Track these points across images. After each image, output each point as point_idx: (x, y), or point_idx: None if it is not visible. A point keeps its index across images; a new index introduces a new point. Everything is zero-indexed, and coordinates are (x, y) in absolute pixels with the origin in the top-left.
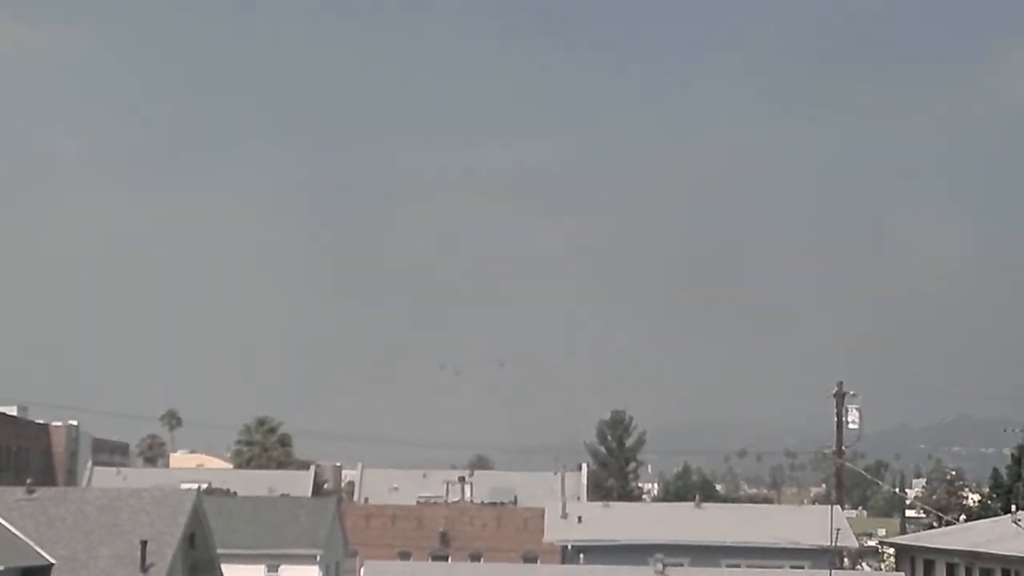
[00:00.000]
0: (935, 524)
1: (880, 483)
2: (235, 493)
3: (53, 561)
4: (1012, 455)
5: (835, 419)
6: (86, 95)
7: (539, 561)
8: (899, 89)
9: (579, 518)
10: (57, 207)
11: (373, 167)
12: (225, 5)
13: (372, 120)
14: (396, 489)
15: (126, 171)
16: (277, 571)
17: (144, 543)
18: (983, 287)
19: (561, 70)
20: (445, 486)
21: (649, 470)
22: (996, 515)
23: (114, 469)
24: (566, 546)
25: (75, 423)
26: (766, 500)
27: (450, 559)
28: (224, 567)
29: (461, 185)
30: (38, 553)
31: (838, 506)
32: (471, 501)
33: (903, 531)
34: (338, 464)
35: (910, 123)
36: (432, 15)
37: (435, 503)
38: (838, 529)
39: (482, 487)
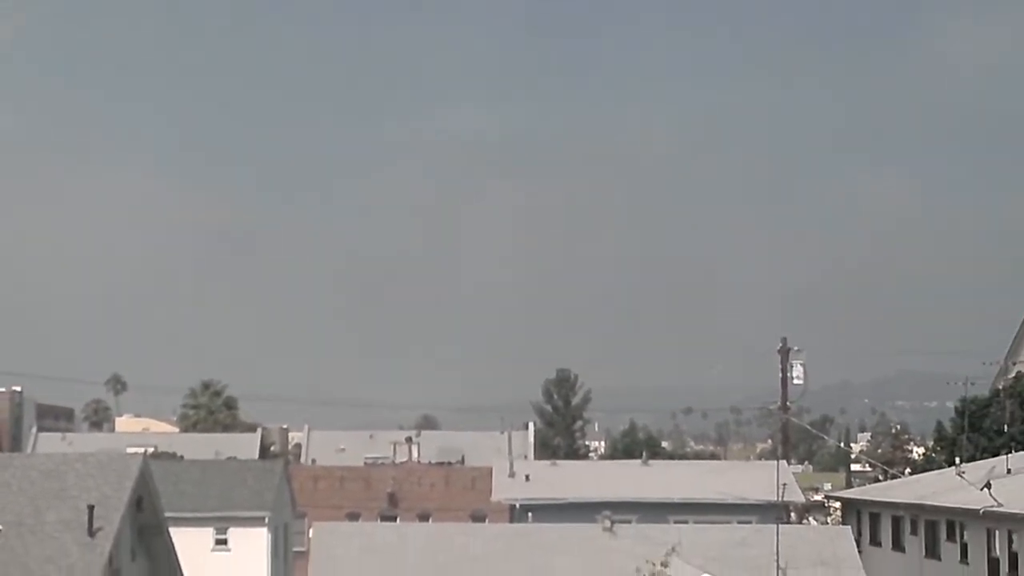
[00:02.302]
0: (880, 478)
1: (825, 438)
2: (182, 457)
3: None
4: (955, 408)
5: (780, 375)
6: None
7: (487, 520)
8: (845, 51)
9: (527, 477)
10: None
11: (317, 136)
12: None
13: (315, 89)
14: (343, 450)
15: (65, 142)
16: (225, 534)
17: (91, 508)
18: (923, 242)
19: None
20: (392, 447)
21: (596, 428)
22: (940, 468)
23: (59, 434)
24: (514, 505)
25: (19, 389)
26: (713, 456)
27: (399, 519)
28: (172, 531)
29: (410, 152)
30: None
31: (784, 461)
32: (419, 461)
33: (849, 485)
34: (284, 427)
35: (848, 83)
36: None
37: (383, 464)
38: (784, 484)
39: (429, 447)
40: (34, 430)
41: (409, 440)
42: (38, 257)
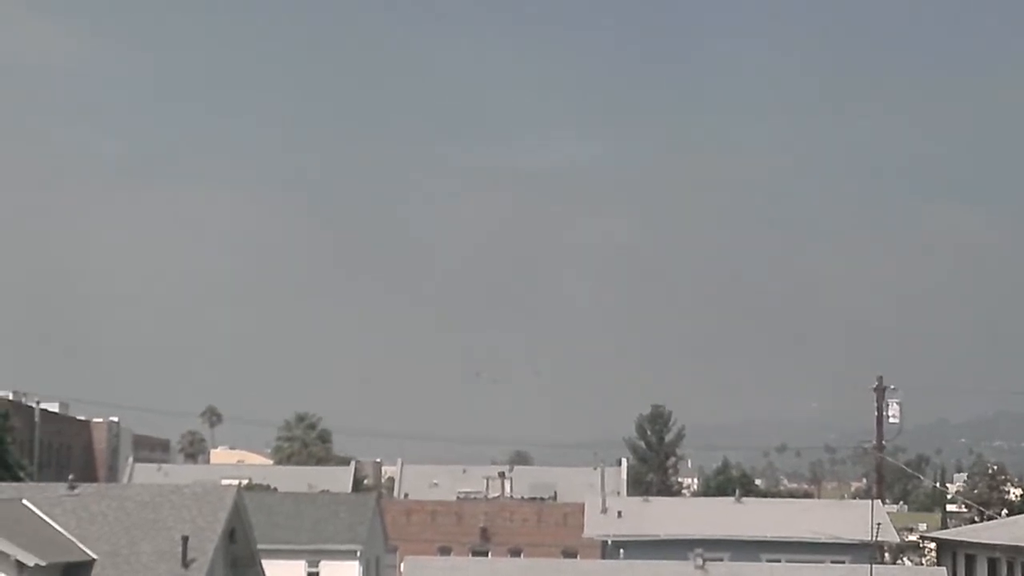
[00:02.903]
0: (977, 519)
1: (921, 477)
2: (275, 489)
3: (95, 557)
4: None
5: (875, 413)
6: (114, 96)
7: (579, 556)
8: (926, 79)
9: (619, 513)
10: (89, 207)
11: (406, 163)
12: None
13: (402, 115)
14: (436, 485)
15: (155, 171)
16: (317, 567)
17: (185, 538)
18: (1020, 281)
19: (602, 68)
20: (485, 482)
21: (689, 465)
22: None
23: (155, 465)
24: (606, 541)
25: (116, 419)
26: (806, 495)
27: (490, 554)
28: (264, 562)
29: (499, 184)
30: (80, 549)
31: (879, 501)
32: (511, 496)
33: (944, 526)
34: (378, 460)
35: (937, 114)
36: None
37: (475, 498)
38: (879, 524)
39: (522, 482)
40: (131, 461)
41: (502, 475)
42: (134, 289)
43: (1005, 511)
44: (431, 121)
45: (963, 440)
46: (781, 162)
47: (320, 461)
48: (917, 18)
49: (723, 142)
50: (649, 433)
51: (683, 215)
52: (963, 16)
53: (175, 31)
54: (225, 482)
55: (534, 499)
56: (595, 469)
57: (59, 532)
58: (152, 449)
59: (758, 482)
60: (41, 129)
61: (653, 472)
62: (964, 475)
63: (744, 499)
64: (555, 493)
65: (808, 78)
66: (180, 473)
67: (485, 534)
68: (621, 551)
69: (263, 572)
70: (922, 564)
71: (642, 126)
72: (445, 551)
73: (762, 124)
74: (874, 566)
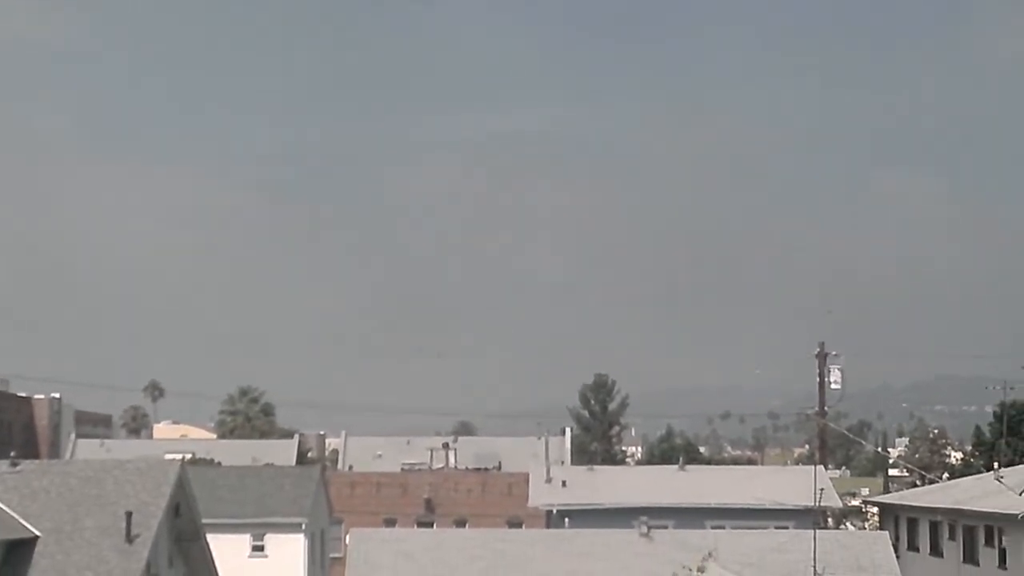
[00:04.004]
0: (918, 483)
1: (863, 442)
2: (219, 463)
3: (38, 534)
4: (994, 412)
5: (817, 380)
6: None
7: (524, 526)
8: (878, 53)
9: (563, 482)
10: (33, 182)
11: (360, 134)
12: None
13: (364, 88)
14: (380, 456)
15: (103, 144)
16: (262, 540)
17: (129, 514)
18: (961, 245)
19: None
20: (429, 453)
21: (633, 433)
22: (979, 472)
23: (97, 441)
24: (551, 510)
25: (57, 395)
26: (750, 462)
27: (435, 525)
28: (209, 537)
29: (450, 151)
30: (23, 526)
31: (821, 466)
32: (455, 467)
33: (886, 490)
34: (322, 433)
35: (886, 85)
36: None
37: (419, 470)
38: (822, 489)
39: (466, 453)
40: (72, 437)
41: (446, 446)
42: (75, 263)
43: (946, 475)
44: (388, 88)
45: (904, 404)
46: (738, 127)
47: (264, 434)
48: None
49: (685, 107)
50: (592, 402)
51: (634, 183)
52: None
53: (154, 12)
54: (168, 457)
55: (479, 469)
56: (539, 439)
57: (1, 510)
58: (94, 425)
59: (702, 449)
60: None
61: (597, 441)
62: (906, 439)
63: (688, 467)
64: (499, 463)
65: (780, 47)
66: (123, 448)
67: (430, 505)
68: (566, 520)
69: (208, 546)
70: (865, 528)
71: (601, 93)
72: (390, 523)
73: (723, 89)
74: (817, 531)
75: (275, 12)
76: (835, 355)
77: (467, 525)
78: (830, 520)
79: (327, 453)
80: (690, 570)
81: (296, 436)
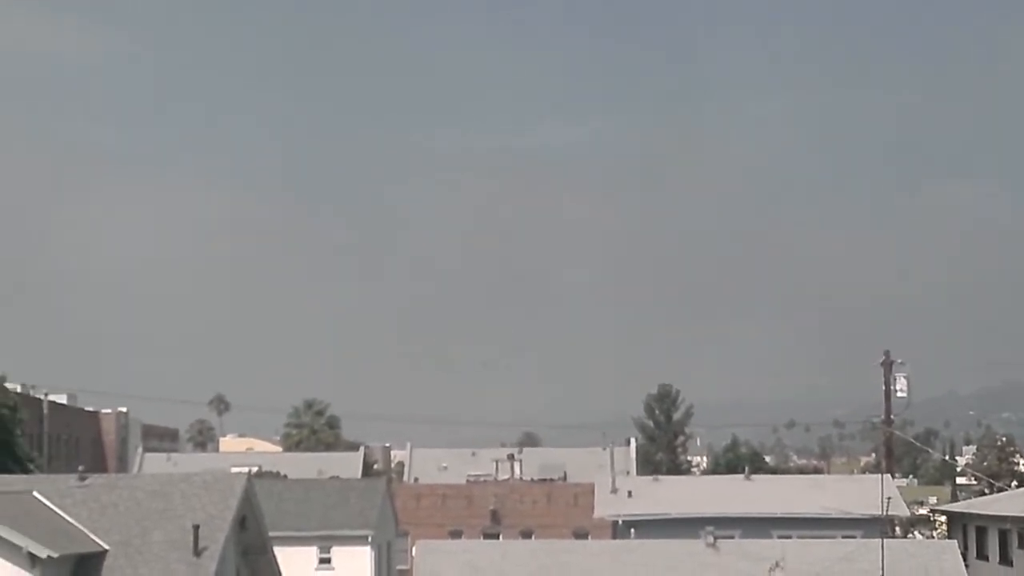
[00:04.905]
0: (986, 491)
1: (930, 451)
2: (285, 476)
3: (107, 547)
4: None
5: (883, 388)
6: (111, 90)
7: (590, 537)
8: (942, 58)
9: (629, 493)
10: (93, 200)
11: (402, 148)
12: None
13: (399, 101)
14: (445, 468)
15: (158, 164)
16: (329, 552)
17: (196, 527)
18: None
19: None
20: (494, 464)
21: (698, 443)
22: None
23: (164, 455)
24: (617, 521)
25: (124, 410)
26: (816, 471)
27: (501, 537)
28: (276, 549)
29: (498, 169)
30: (92, 540)
31: (888, 475)
32: (521, 478)
33: (954, 499)
34: (387, 445)
35: (954, 91)
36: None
37: (485, 481)
38: (889, 498)
39: (531, 464)
40: (140, 451)
41: (511, 457)
42: (143, 279)
43: (1014, 483)
44: (422, 109)
45: (971, 412)
46: (784, 138)
47: (329, 447)
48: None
49: (722, 120)
50: (657, 412)
51: (686, 195)
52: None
53: (172, 25)
54: (235, 470)
55: (544, 480)
56: (604, 449)
57: (70, 523)
58: (161, 439)
59: (767, 459)
60: (42, 123)
61: (662, 451)
62: (973, 447)
63: (754, 476)
64: (565, 474)
65: (804, 58)
66: (189, 462)
67: (496, 516)
68: (632, 531)
69: (275, 559)
70: (933, 537)
71: (633, 108)
72: (456, 535)
73: (764, 101)
74: (885, 540)
75: (292, 30)
76: (900, 363)
77: (533, 536)
78: (898, 529)
79: (392, 465)
80: None
81: (361, 448)
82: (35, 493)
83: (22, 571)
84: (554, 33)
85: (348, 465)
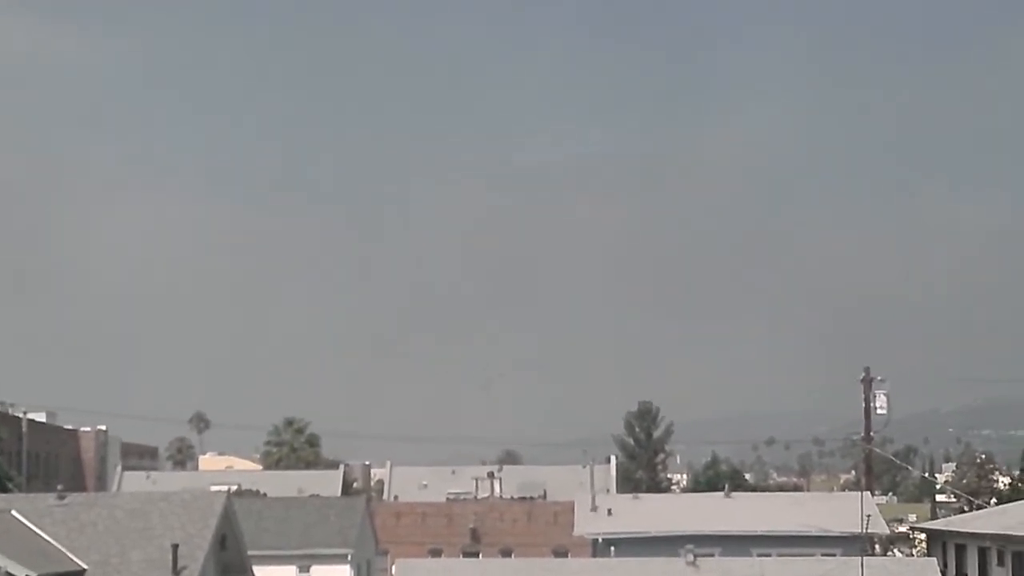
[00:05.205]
0: (966, 508)
1: (910, 468)
2: (265, 494)
3: (85, 567)
4: None
5: (863, 405)
6: (104, 99)
7: (570, 555)
8: (925, 63)
9: (609, 511)
10: (73, 212)
11: (390, 159)
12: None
13: (389, 114)
14: (425, 486)
15: (141, 173)
16: (308, 571)
17: (175, 546)
18: (1009, 269)
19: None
20: (474, 482)
21: (678, 461)
22: None
23: (143, 473)
24: (596, 539)
25: (104, 428)
26: (795, 488)
27: (481, 555)
28: (255, 568)
29: (479, 182)
30: (70, 559)
31: (868, 492)
32: (500, 496)
33: (934, 516)
34: (367, 463)
35: (933, 98)
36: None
37: (465, 499)
38: (868, 515)
39: (511, 482)
40: (119, 469)
41: (491, 475)
42: (121, 295)
43: (994, 500)
44: (426, 117)
45: (951, 429)
46: (769, 153)
47: (309, 465)
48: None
49: (713, 131)
50: (637, 430)
51: (667, 210)
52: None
53: (168, 30)
54: (214, 488)
55: (524, 498)
56: (584, 467)
57: (49, 543)
58: (140, 457)
59: (747, 476)
60: (27, 131)
61: (642, 469)
62: (953, 465)
63: (734, 494)
64: (544, 492)
65: (803, 64)
66: (169, 480)
67: (475, 535)
68: (612, 549)
69: None
70: (912, 555)
71: (631, 110)
72: (436, 553)
73: (764, 103)
74: (865, 558)
75: (301, 40)
76: (880, 380)
77: (513, 555)
78: (877, 547)
79: (372, 483)
80: None
81: (341, 467)
82: (13, 512)
83: None
84: (554, 34)
85: (328, 483)
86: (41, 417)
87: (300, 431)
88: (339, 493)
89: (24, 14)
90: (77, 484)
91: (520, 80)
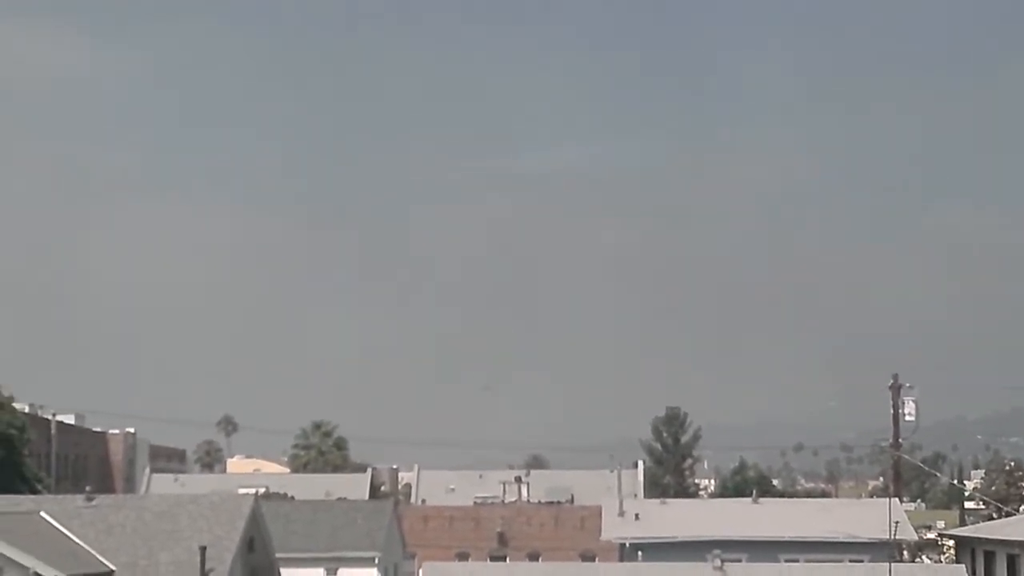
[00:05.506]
0: (995, 515)
1: (938, 475)
2: (292, 497)
3: (113, 568)
4: None
5: (891, 412)
6: (118, 109)
7: (597, 559)
8: (939, 80)
9: (636, 516)
10: (100, 220)
11: (414, 170)
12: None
13: (413, 123)
14: (453, 490)
15: (165, 184)
16: (336, 574)
17: (203, 548)
18: None
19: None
20: (502, 486)
21: (705, 466)
22: None
23: (172, 475)
24: (624, 544)
25: (132, 430)
26: (823, 494)
27: (508, 559)
28: (283, 571)
29: (504, 189)
30: (99, 560)
31: (896, 499)
32: (528, 501)
33: (962, 523)
34: (394, 467)
35: (954, 114)
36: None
37: (492, 503)
38: (897, 522)
39: (539, 487)
40: (147, 471)
41: (518, 480)
42: (150, 299)
43: (1023, 507)
44: (434, 127)
45: (980, 437)
46: (790, 162)
47: (337, 468)
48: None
49: (733, 140)
50: (665, 435)
51: (693, 216)
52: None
53: (175, 44)
54: (242, 491)
55: (551, 503)
56: (611, 472)
57: (78, 544)
58: (169, 459)
59: (775, 482)
60: (47, 142)
61: (670, 474)
62: (981, 472)
63: (761, 499)
64: (572, 496)
65: (814, 79)
66: (197, 483)
67: (503, 539)
68: (639, 554)
69: None
70: (941, 562)
71: (647, 127)
72: (463, 557)
73: (773, 125)
74: (893, 565)
75: (314, 54)
76: (909, 387)
77: (540, 559)
78: (905, 553)
79: (400, 487)
80: None
81: (369, 470)
82: (42, 513)
83: None
84: (567, 51)
85: (355, 487)
86: (70, 419)
87: (328, 434)
88: (367, 496)
89: (24, 17)
90: (105, 486)
91: (532, 95)
